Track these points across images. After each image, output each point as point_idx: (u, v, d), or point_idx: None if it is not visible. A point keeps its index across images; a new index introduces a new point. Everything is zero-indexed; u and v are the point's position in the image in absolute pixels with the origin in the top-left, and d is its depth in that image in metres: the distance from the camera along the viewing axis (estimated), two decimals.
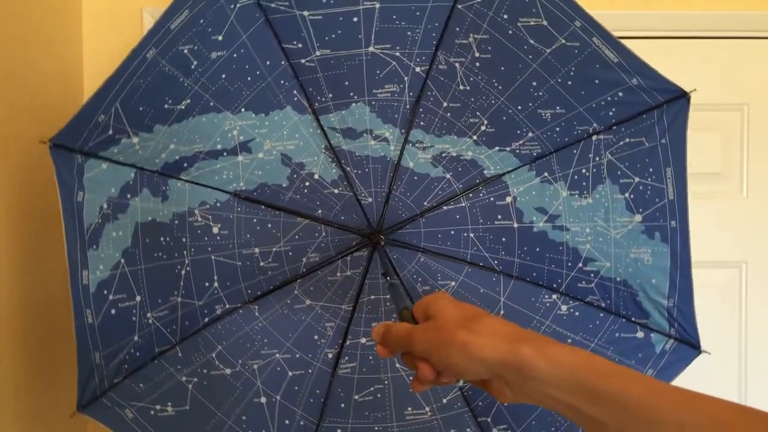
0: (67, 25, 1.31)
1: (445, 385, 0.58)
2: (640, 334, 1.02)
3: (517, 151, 1.05)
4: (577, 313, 1.05)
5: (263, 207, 1.05)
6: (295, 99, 1.03)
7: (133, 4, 1.39)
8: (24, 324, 1.12)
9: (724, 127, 1.48)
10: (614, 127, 0.99)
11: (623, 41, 0.96)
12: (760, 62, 1.49)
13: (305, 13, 0.96)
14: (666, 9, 1.46)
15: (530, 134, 1.03)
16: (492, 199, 1.07)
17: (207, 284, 1.04)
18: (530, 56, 0.98)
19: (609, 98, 0.98)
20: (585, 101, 0.99)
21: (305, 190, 1.06)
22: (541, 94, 1.00)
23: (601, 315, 1.03)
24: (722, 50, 1.48)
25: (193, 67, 0.96)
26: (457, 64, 1.01)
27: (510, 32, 0.98)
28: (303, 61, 1.01)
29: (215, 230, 1.03)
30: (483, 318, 0.53)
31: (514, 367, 0.47)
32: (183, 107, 0.98)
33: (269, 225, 1.06)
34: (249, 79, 1.00)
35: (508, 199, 1.06)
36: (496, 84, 1.01)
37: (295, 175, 1.06)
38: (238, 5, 0.95)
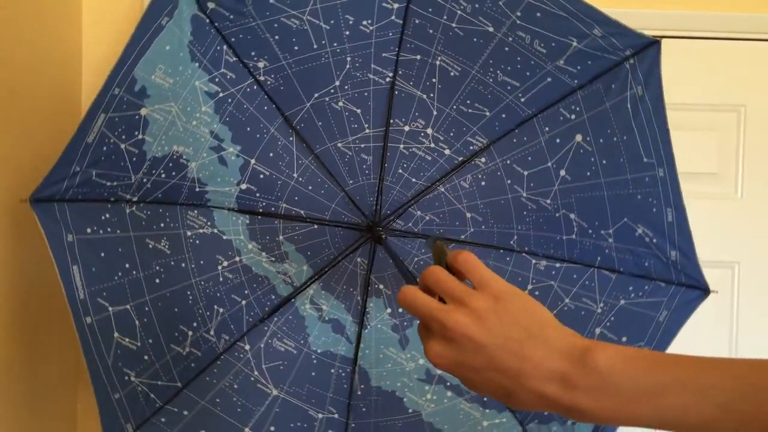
0: (67, 9, 1.30)
1: None
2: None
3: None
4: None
5: None
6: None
7: None
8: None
9: (720, 128, 1.49)
10: None
11: None
12: (759, 65, 1.49)
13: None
14: (665, 8, 1.47)
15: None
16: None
17: None
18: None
19: None
20: None
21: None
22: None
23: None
24: (721, 52, 1.49)
25: None
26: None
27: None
28: None
29: None
30: (523, 370, 0.49)
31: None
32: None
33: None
34: None
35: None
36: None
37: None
38: None
